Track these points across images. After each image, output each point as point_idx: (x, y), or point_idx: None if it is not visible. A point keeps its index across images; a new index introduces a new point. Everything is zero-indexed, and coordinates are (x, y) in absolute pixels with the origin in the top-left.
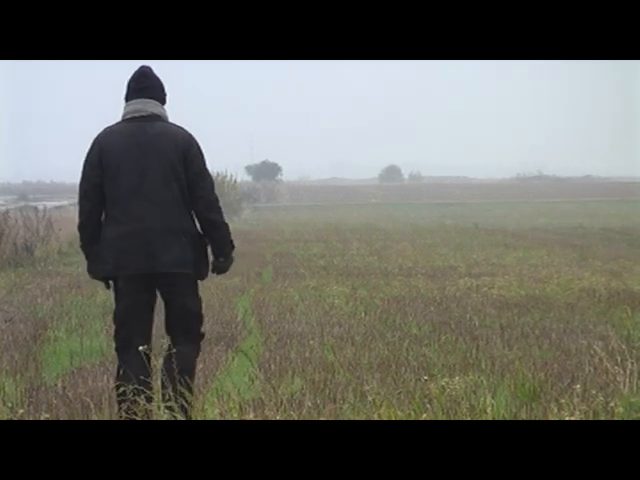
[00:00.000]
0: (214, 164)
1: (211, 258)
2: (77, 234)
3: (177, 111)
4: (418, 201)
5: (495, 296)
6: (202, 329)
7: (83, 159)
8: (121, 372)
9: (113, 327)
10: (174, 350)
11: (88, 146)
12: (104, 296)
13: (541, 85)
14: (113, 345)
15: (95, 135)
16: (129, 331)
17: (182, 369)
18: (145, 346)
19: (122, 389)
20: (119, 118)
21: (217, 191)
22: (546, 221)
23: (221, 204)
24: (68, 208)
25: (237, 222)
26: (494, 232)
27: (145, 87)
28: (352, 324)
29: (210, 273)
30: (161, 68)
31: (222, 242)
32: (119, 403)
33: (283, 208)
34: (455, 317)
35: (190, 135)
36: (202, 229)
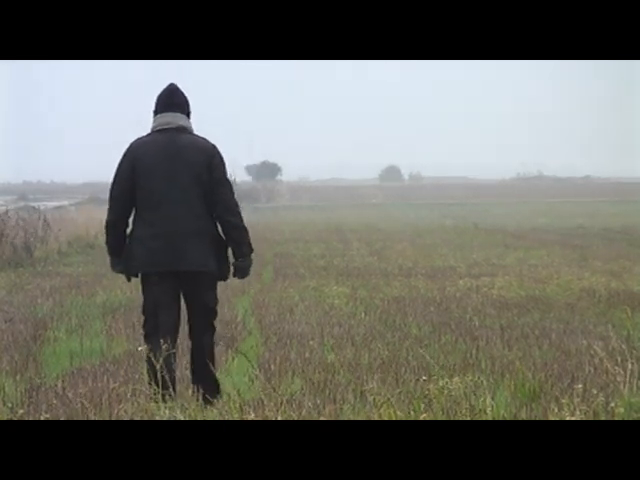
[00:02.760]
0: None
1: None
2: (103, 231)
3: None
4: (418, 201)
5: (495, 296)
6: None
7: (118, 167)
8: (150, 356)
9: (142, 317)
10: (195, 341)
11: (121, 153)
12: (104, 296)
13: (541, 85)
14: (141, 332)
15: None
16: (157, 322)
17: (204, 355)
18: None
19: (151, 372)
20: (118, 118)
21: None
22: (546, 221)
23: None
24: (68, 208)
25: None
26: (494, 232)
27: (173, 102)
28: (352, 324)
29: (231, 275)
30: (161, 68)
31: (240, 243)
32: (150, 384)
33: (283, 208)
34: (455, 317)
35: (214, 146)
36: (223, 231)
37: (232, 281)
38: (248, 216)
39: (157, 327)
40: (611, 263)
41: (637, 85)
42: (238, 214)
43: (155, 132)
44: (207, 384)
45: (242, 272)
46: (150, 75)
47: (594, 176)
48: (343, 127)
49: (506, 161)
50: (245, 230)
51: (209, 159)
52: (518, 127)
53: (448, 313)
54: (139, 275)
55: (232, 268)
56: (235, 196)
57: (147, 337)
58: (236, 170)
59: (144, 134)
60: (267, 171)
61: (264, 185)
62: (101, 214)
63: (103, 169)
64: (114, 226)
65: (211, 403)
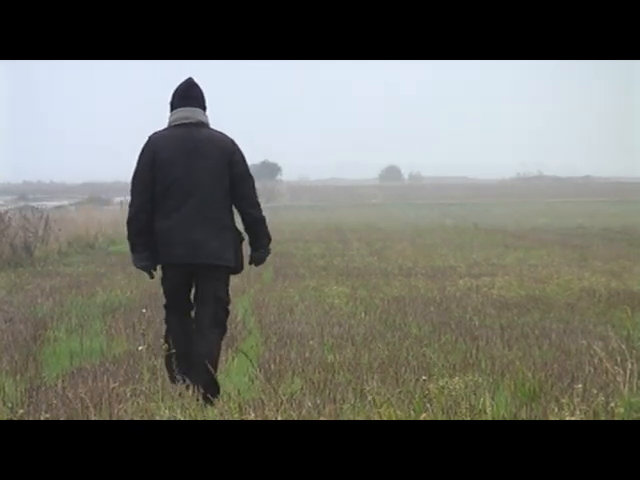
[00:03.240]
0: None
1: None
2: (126, 227)
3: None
4: (418, 201)
5: (495, 296)
6: (226, 320)
7: (136, 159)
8: (167, 331)
9: (164, 298)
10: (201, 335)
11: (140, 147)
12: (104, 296)
13: (541, 85)
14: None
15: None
16: (174, 303)
17: (206, 353)
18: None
19: (169, 344)
20: (119, 118)
21: None
22: (546, 221)
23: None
24: (68, 208)
25: (237, 222)
26: (494, 232)
27: (191, 96)
28: (352, 324)
29: (248, 265)
30: (161, 68)
31: (262, 235)
32: (167, 359)
33: (283, 208)
34: (455, 317)
35: (233, 141)
36: (244, 223)
37: (232, 281)
38: None
39: (174, 307)
40: (611, 263)
41: (637, 85)
42: (259, 207)
43: (174, 126)
44: (207, 384)
45: (260, 261)
46: (150, 75)
47: (594, 176)
48: (343, 127)
49: (506, 161)
50: (265, 222)
51: (229, 155)
52: (518, 127)
53: (448, 313)
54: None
55: (249, 258)
56: (256, 190)
57: (166, 312)
58: None
59: (161, 128)
60: (267, 171)
61: (264, 185)
62: (101, 214)
63: (103, 169)
64: (136, 220)
65: (211, 403)
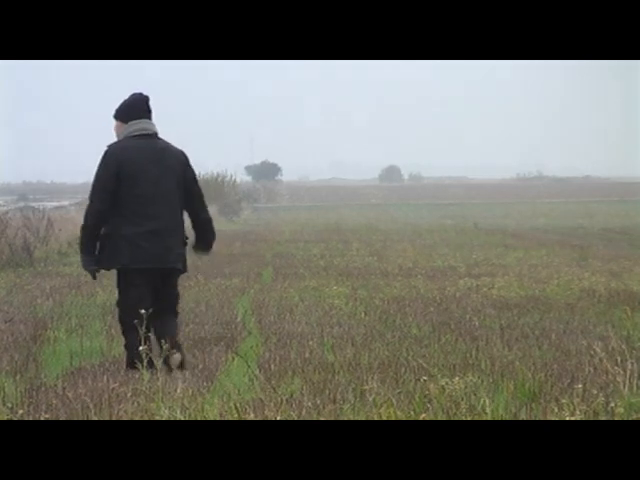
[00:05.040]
0: (214, 164)
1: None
2: (82, 230)
3: (177, 111)
4: (418, 201)
5: (495, 296)
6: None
7: (97, 169)
8: (133, 348)
9: (120, 310)
10: (161, 320)
11: (100, 158)
12: (104, 296)
13: (541, 85)
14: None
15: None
16: (137, 314)
17: (170, 331)
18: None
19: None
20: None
21: (217, 191)
22: (546, 221)
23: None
24: (68, 208)
25: (237, 222)
26: (494, 232)
27: (148, 109)
28: (352, 324)
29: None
30: (160, 68)
31: (211, 234)
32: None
33: (283, 208)
34: (455, 317)
35: (183, 151)
36: (196, 225)
37: (232, 281)
38: (248, 216)
39: (136, 317)
40: (611, 263)
41: (638, 85)
42: (207, 209)
43: (133, 137)
44: (180, 355)
45: (201, 253)
46: (148, 75)
47: (594, 176)
48: (343, 127)
49: (506, 161)
50: (212, 224)
51: (185, 164)
52: (518, 127)
53: (448, 313)
54: (117, 271)
55: (195, 248)
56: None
57: (127, 330)
58: (236, 170)
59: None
60: (267, 171)
61: (264, 185)
62: None
63: None
64: (96, 227)
65: (182, 368)
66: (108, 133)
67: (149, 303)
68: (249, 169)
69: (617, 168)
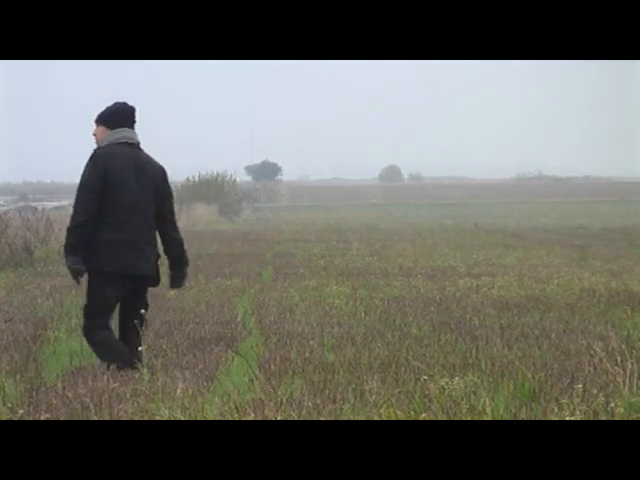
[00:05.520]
0: (214, 164)
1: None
2: (70, 231)
3: (177, 110)
4: (418, 201)
5: (495, 296)
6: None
7: (85, 171)
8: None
9: (88, 312)
10: (131, 324)
11: (87, 161)
12: None
13: (541, 85)
14: (86, 325)
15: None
16: (107, 317)
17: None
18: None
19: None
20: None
21: (217, 191)
22: (546, 221)
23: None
24: (68, 208)
25: (237, 222)
26: (494, 232)
27: (134, 119)
28: (352, 324)
29: (171, 287)
30: (159, 69)
31: (183, 257)
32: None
33: (283, 208)
34: (455, 317)
35: (163, 167)
36: (167, 243)
37: (232, 281)
38: (248, 216)
39: (105, 323)
40: (611, 263)
41: (637, 85)
42: (178, 229)
43: (118, 144)
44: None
45: (180, 283)
46: (146, 75)
47: (594, 176)
48: (343, 127)
49: (506, 161)
50: (184, 245)
51: (164, 179)
52: (518, 127)
53: (448, 313)
54: (91, 274)
55: (172, 280)
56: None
57: (91, 330)
58: (236, 170)
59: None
60: (267, 171)
61: (264, 185)
62: None
63: None
64: (85, 227)
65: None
66: None
67: (114, 308)
68: (249, 169)
69: (617, 168)
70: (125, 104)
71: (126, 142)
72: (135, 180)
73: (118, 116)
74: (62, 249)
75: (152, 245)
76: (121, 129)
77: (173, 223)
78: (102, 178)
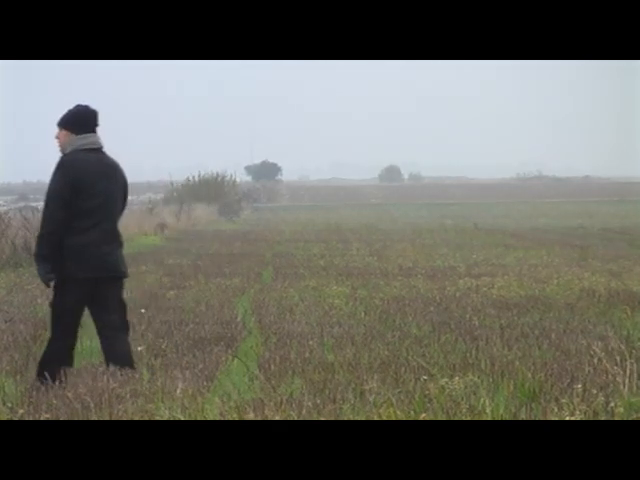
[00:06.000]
0: (214, 164)
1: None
2: (40, 239)
3: (178, 110)
4: (418, 201)
5: (495, 296)
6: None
7: (53, 178)
8: (54, 356)
9: (53, 318)
10: (111, 342)
11: (55, 168)
12: None
13: (541, 85)
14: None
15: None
16: (75, 322)
17: (126, 351)
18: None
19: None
20: (117, 118)
21: (217, 191)
22: (546, 221)
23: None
24: None
25: (237, 222)
26: (494, 232)
27: (96, 124)
28: (352, 324)
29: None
30: (159, 69)
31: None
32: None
33: (283, 208)
34: (455, 317)
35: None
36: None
37: (232, 281)
38: (248, 216)
39: (66, 329)
40: (611, 263)
41: (637, 85)
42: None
43: (85, 150)
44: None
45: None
46: (143, 75)
47: (594, 176)
48: (343, 127)
49: (506, 161)
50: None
51: (125, 181)
52: (518, 127)
53: (448, 313)
54: (62, 281)
55: None
56: None
57: (56, 339)
58: (236, 170)
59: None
60: (267, 171)
61: (264, 185)
62: None
63: None
64: (56, 234)
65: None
66: (108, 133)
67: (80, 316)
68: (249, 169)
69: (617, 168)
70: (88, 107)
71: (92, 147)
72: (103, 186)
73: (83, 121)
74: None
75: (119, 247)
76: (87, 134)
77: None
78: (71, 185)
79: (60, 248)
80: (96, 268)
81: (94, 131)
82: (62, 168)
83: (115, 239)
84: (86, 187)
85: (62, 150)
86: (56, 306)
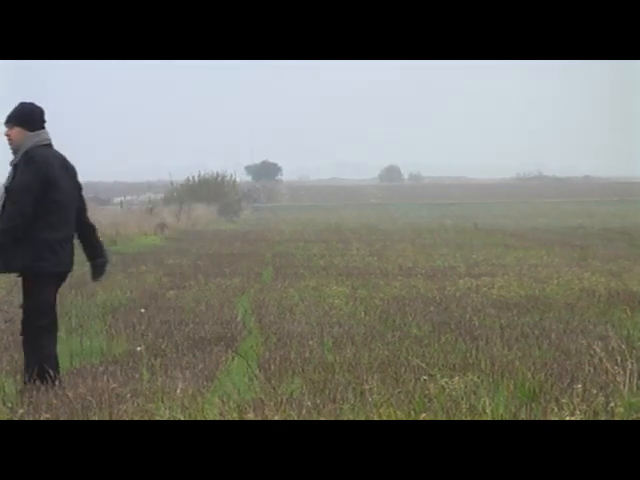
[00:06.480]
0: (214, 164)
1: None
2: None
3: (177, 110)
4: (418, 201)
5: (495, 296)
6: None
7: (24, 173)
8: (45, 351)
9: (35, 314)
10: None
11: (25, 163)
12: (104, 296)
13: (541, 85)
14: (36, 327)
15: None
16: (52, 316)
17: (56, 355)
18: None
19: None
20: (116, 118)
21: (217, 191)
22: (546, 221)
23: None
24: None
25: (237, 222)
26: (494, 232)
27: (44, 121)
28: (352, 324)
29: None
30: (158, 68)
31: (100, 242)
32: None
33: (283, 208)
34: (455, 317)
35: None
36: (84, 232)
37: (232, 281)
38: (248, 216)
39: (50, 323)
40: (611, 263)
41: (637, 85)
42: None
43: (44, 146)
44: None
45: (102, 271)
46: (140, 76)
47: (594, 176)
48: (343, 127)
49: (506, 161)
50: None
51: (76, 173)
52: (518, 127)
53: (448, 313)
54: (32, 276)
55: (93, 271)
56: None
57: (42, 332)
58: (236, 170)
59: (37, 145)
60: (267, 171)
61: (264, 185)
62: (100, 214)
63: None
64: (21, 227)
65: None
66: (108, 133)
67: (55, 310)
68: (249, 169)
69: (617, 168)
70: (34, 104)
71: (48, 144)
72: (66, 179)
73: (37, 118)
74: None
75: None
76: (40, 131)
77: (85, 211)
78: (41, 180)
79: (33, 241)
80: (69, 262)
81: (44, 127)
82: (35, 164)
83: (72, 234)
84: (52, 181)
85: (16, 147)
86: (36, 305)
